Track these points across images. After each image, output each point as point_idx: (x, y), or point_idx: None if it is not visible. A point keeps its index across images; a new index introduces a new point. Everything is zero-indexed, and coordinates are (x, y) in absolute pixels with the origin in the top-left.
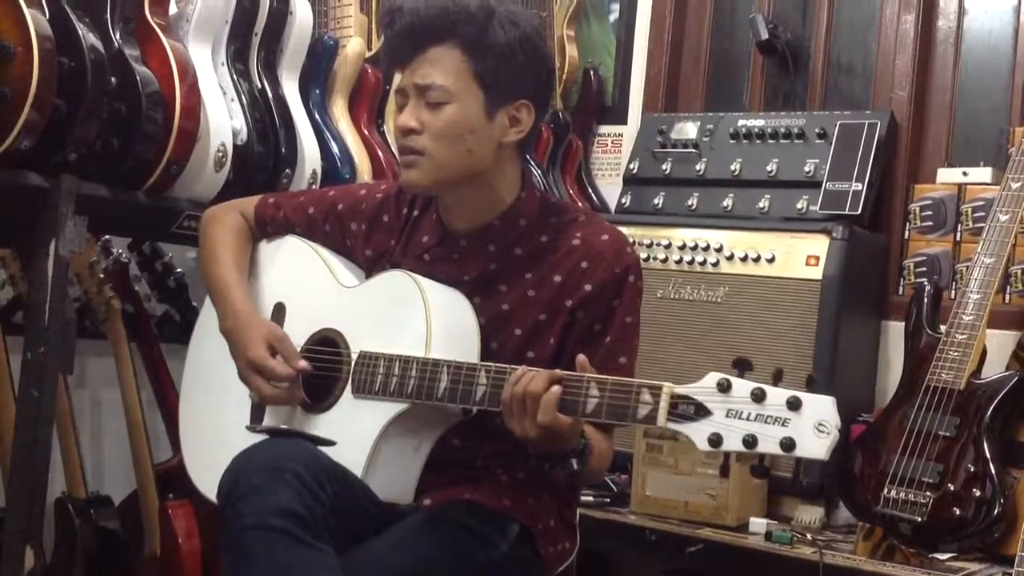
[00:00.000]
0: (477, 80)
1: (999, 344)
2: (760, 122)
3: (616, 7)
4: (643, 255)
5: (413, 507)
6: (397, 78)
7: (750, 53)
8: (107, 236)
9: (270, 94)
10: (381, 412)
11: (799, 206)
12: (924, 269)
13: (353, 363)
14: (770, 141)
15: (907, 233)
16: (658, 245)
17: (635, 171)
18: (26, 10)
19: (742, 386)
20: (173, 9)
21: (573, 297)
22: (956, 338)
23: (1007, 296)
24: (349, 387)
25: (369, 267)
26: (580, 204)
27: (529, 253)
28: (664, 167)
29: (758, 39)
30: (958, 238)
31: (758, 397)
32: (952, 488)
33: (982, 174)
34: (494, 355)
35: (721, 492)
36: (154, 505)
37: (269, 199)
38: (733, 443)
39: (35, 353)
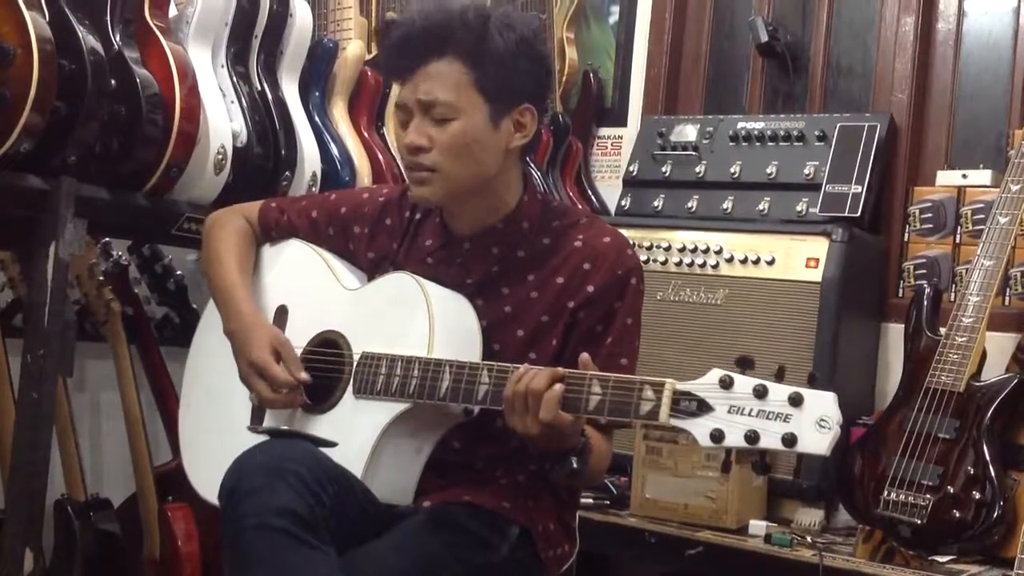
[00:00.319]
0: (480, 91)
1: (999, 346)
2: (760, 124)
3: (616, 9)
4: (643, 257)
5: (413, 508)
6: (397, 90)
7: (750, 55)
8: (107, 238)
9: (270, 96)
10: (382, 412)
11: (799, 208)
12: (924, 271)
13: (355, 364)
14: (770, 143)
15: (907, 235)
16: (658, 247)
17: (635, 173)
18: (26, 12)
19: (744, 382)
20: (173, 11)
21: (575, 298)
22: (956, 340)
23: (1007, 298)
24: (351, 388)
25: (372, 270)
26: (580, 206)
27: (531, 255)
28: (664, 169)
29: (758, 41)
30: (958, 240)
31: (760, 393)
32: (952, 490)
33: (982, 176)
34: (496, 356)
35: (721, 494)
36: (153, 508)
37: (272, 204)
38: (735, 439)
39: (35, 356)
